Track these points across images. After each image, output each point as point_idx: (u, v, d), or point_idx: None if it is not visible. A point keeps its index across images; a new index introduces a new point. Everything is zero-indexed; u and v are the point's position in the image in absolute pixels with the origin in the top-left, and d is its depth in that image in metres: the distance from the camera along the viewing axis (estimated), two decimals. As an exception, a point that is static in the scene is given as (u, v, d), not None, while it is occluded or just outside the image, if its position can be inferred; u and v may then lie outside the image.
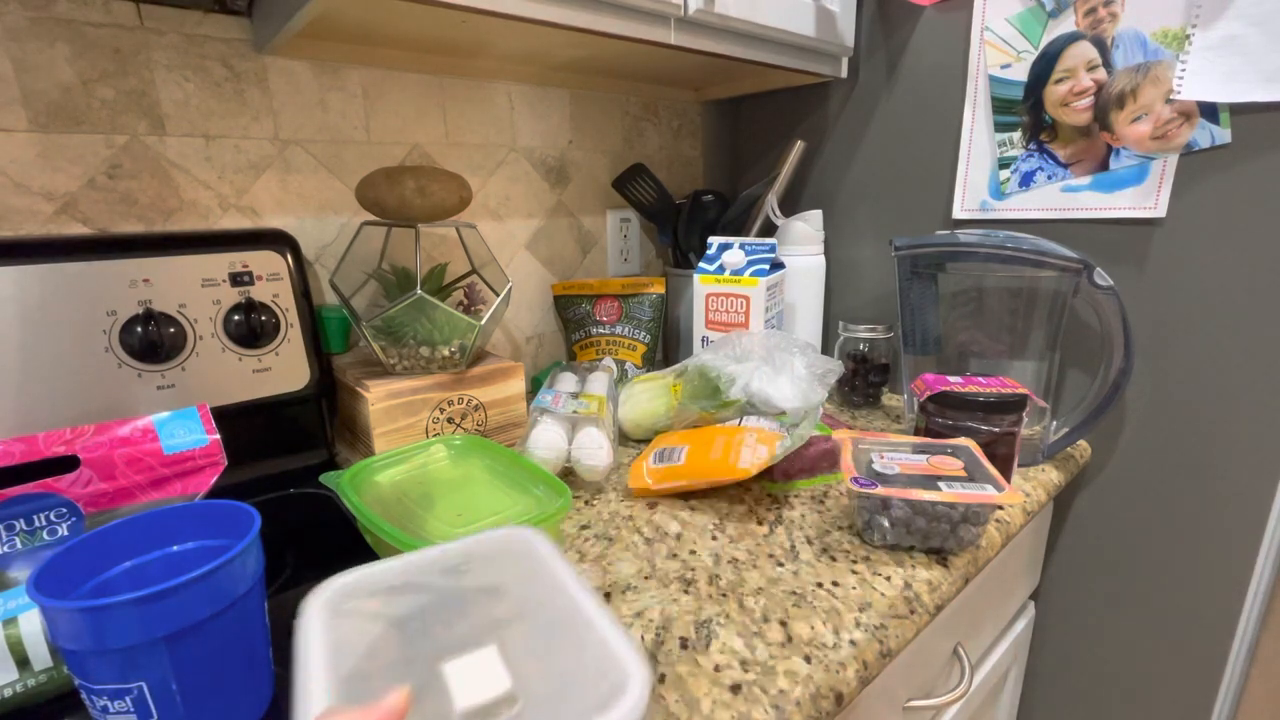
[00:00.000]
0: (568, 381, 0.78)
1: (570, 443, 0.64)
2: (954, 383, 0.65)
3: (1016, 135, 0.77)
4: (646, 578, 0.51)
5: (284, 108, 0.71)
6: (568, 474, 0.66)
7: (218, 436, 0.51)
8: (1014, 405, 0.62)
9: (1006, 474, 0.63)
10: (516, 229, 0.94)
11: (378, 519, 0.49)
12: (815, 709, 0.39)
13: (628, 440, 0.78)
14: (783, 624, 0.45)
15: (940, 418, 0.64)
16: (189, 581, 0.34)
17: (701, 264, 0.83)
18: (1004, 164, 0.78)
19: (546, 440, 0.63)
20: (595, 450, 0.63)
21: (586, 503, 0.63)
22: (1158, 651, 0.78)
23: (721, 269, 0.80)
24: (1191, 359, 0.69)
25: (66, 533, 0.44)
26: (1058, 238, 0.69)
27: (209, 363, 0.63)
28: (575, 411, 0.66)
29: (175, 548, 0.43)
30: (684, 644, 0.43)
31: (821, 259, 0.94)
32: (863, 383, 0.89)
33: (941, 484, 0.51)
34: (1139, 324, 0.71)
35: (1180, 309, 0.69)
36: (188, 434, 0.50)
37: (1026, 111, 0.75)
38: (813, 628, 0.45)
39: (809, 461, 0.66)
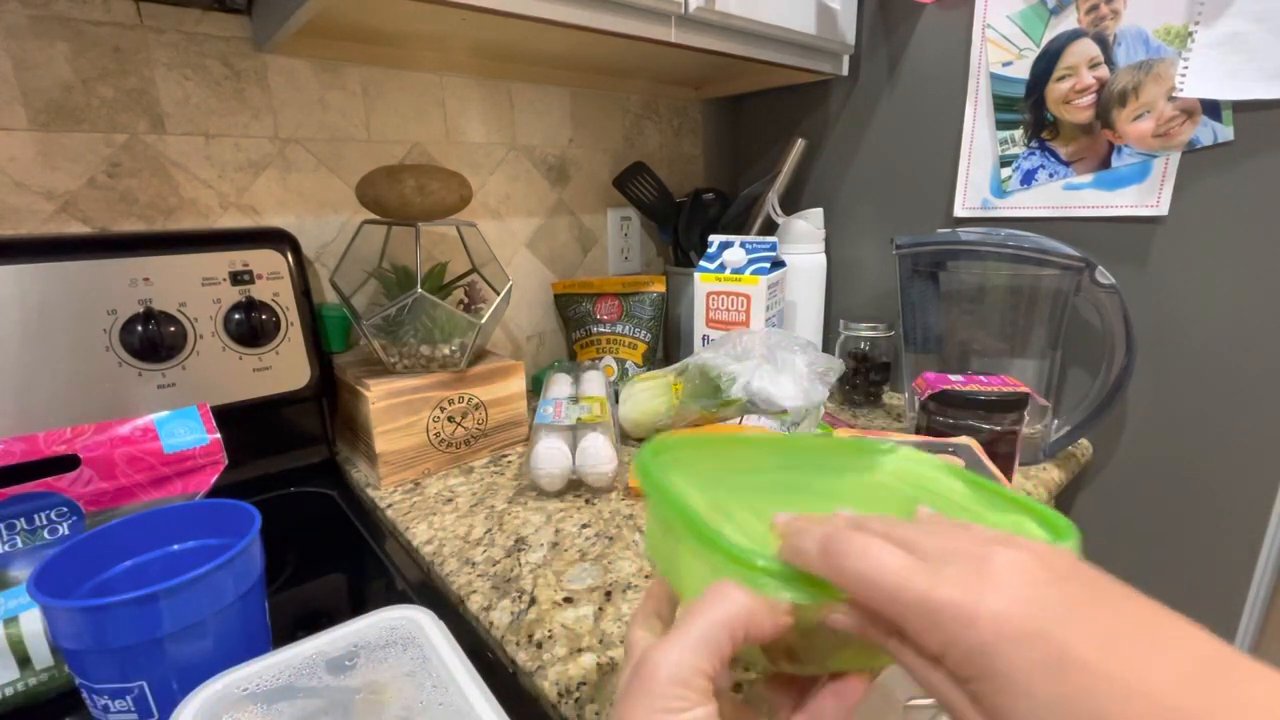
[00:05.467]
0: (563, 385, 0.78)
1: (575, 453, 0.64)
2: (955, 381, 0.65)
3: (1018, 133, 0.77)
4: (647, 576, 0.51)
5: (284, 106, 0.71)
6: (576, 484, 0.66)
7: (218, 435, 0.51)
8: (1015, 404, 0.62)
9: (1008, 473, 0.63)
10: (517, 227, 0.94)
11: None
12: (816, 708, 0.39)
13: (628, 439, 0.78)
14: (783, 623, 0.45)
15: (941, 416, 0.64)
16: (189, 581, 0.34)
17: (702, 262, 0.83)
18: (1005, 162, 0.78)
19: (550, 458, 0.63)
20: (602, 461, 0.63)
21: (588, 501, 0.63)
22: (1159, 650, 0.78)
23: (722, 267, 0.80)
24: (1193, 357, 0.69)
25: (67, 532, 0.44)
26: (1059, 236, 0.69)
27: (209, 362, 0.63)
28: (579, 419, 0.66)
29: (175, 547, 0.43)
30: (685, 643, 0.43)
31: (822, 257, 0.94)
32: (864, 381, 0.89)
33: (943, 483, 0.51)
34: (1141, 322, 0.70)
35: (1182, 307, 0.69)
36: (188, 433, 0.50)
37: (1028, 109, 0.75)
38: (814, 627, 0.44)
39: (810, 460, 0.66)
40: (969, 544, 0.22)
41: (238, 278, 0.64)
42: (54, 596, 0.34)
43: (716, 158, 1.19)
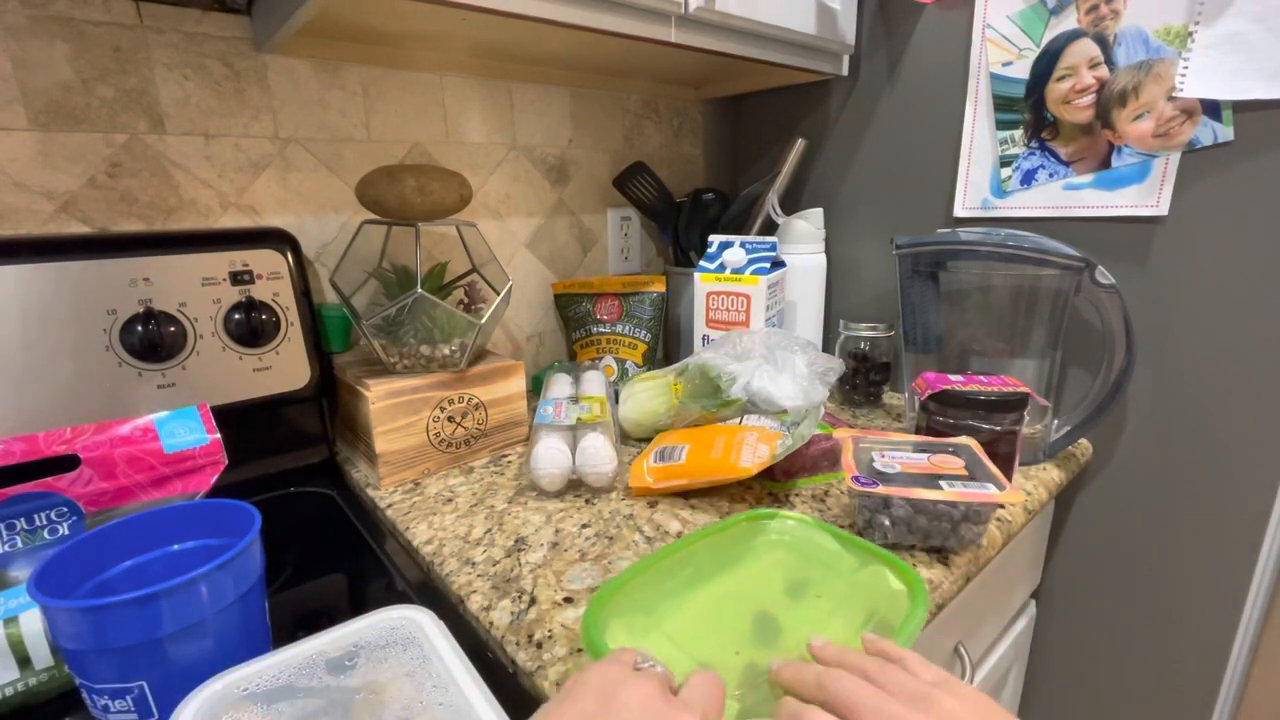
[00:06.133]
0: (563, 384, 0.78)
1: (575, 453, 0.64)
2: (955, 381, 0.65)
3: (1018, 133, 0.77)
4: (647, 577, 0.51)
5: (284, 106, 0.71)
6: (576, 484, 0.66)
7: (218, 435, 0.51)
8: (1015, 404, 0.62)
9: (1008, 473, 0.63)
10: (517, 227, 0.94)
11: None
12: (816, 708, 0.39)
13: (628, 439, 0.78)
14: (783, 623, 0.45)
15: (941, 416, 0.64)
16: (189, 581, 0.34)
17: (702, 262, 0.83)
18: (1005, 162, 0.78)
19: (549, 458, 0.62)
20: (602, 461, 0.63)
21: (587, 501, 0.63)
22: (1159, 650, 0.78)
23: (722, 267, 0.80)
24: (1193, 357, 0.69)
25: (67, 532, 0.44)
26: (1059, 236, 0.69)
27: (209, 362, 0.63)
28: (579, 419, 0.66)
29: (175, 547, 0.43)
30: (685, 643, 0.43)
31: (822, 257, 0.94)
32: (864, 381, 0.89)
33: (943, 483, 0.51)
34: (1141, 322, 0.70)
35: (1182, 307, 0.69)
36: (188, 433, 0.50)
37: (1028, 109, 0.75)
38: (814, 627, 0.44)
39: (810, 460, 0.66)
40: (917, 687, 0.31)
41: (238, 278, 0.64)
42: (54, 596, 0.34)
43: (716, 158, 1.19)
